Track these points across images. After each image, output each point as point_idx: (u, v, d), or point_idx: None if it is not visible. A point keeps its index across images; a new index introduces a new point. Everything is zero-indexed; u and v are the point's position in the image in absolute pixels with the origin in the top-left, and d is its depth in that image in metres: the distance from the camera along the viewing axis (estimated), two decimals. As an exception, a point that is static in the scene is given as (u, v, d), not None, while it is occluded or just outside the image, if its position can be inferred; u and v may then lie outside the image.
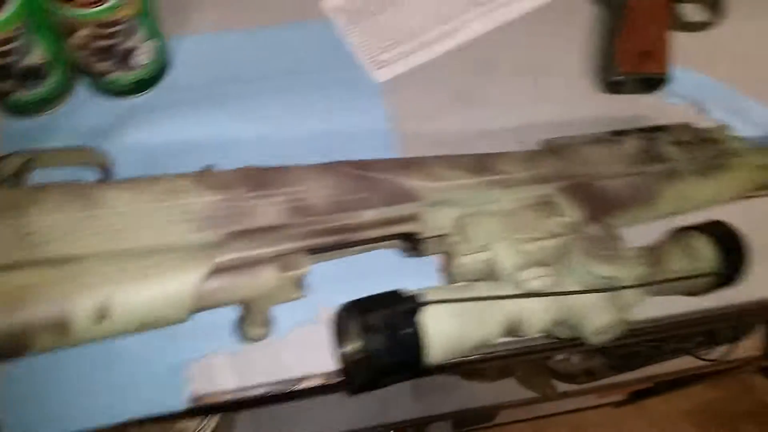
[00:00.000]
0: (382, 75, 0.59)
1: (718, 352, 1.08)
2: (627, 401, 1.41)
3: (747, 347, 1.11)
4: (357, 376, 0.37)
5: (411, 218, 0.42)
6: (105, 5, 0.46)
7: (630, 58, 0.58)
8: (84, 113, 0.55)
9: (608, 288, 0.40)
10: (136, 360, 0.47)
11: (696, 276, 0.44)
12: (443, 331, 0.36)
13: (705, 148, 0.50)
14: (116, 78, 0.53)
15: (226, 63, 0.59)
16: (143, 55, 0.52)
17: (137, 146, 0.54)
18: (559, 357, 1.03)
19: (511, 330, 0.40)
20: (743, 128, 0.58)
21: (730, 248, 0.46)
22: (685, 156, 0.49)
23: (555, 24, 0.63)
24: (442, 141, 0.56)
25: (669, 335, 1.00)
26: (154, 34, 0.52)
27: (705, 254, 0.45)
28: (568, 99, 0.60)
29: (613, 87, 0.59)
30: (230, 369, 0.48)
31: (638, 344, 1.01)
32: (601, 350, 1.03)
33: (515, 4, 0.64)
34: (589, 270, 0.40)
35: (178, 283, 0.36)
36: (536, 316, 0.40)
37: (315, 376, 0.49)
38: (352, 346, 0.37)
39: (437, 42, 0.61)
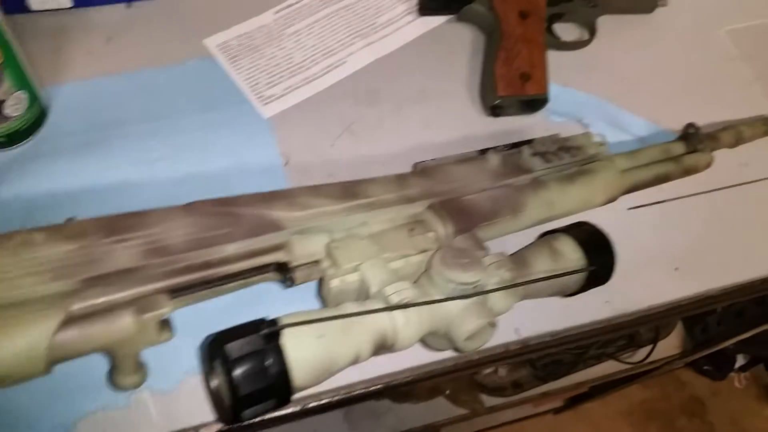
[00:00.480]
0: (270, 110, 0.59)
1: (640, 354, 1.12)
2: (565, 407, 1.43)
3: (667, 346, 1.15)
4: (224, 409, 0.36)
5: (277, 248, 0.42)
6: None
7: (509, 81, 0.60)
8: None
9: (470, 294, 0.41)
10: (21, 421, 0.45)
11: (561, 275, 0.46)
12: (308, 352, 0.36)
13: (569, 157, 0.52)
14: (-14, 130, 0.51)
15: (108, 108, 0.57)
16: (13, 107, 0.51)
17: (15, 200, 0.52)
18: (487, 371, 1.05)
19: (383, 345, 0.40)
20: (620, 137, 0.61)
21: (593, 246, 0.48)
22: (548, 165, 0.51)
23: (439, 51, 0.65)
24: (334, 171, 0.57)
25: (589, 342, 1.03)
26: (23, 84, 0.51)
27: (568, 253, 0.47)
28: (456, 124, 0.62)
29: (496, 111, 0.61)
30: (123, 424, 0.47)
31: (561, 353, 1.03)
32: (527, 361, 1.05)
33: (398, 33, 0.65)
34: (447, 278, 0.41)
35: (30, 336, 0.34)
36: (406, 329, 0.40)
37: (212, 423, 0.48)
38: (217, 378, 0.36)
39: (323, 75, 0.62)
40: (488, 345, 0.45)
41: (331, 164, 0.58)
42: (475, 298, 0.42)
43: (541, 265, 0.46)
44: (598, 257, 0.48)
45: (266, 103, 0.59)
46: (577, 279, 0.48)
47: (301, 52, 0.63)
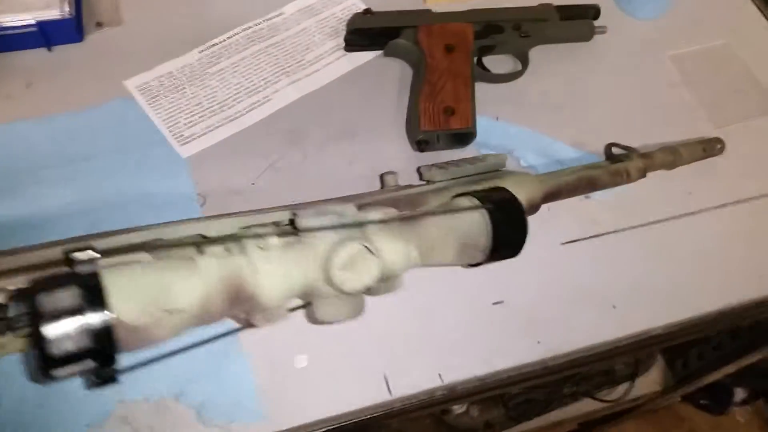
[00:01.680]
0: (188, 150, 0.58)
1: (618, 390, 1.07)
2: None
3: (648, 382, 1.10)
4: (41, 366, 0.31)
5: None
6: None
7: (432, 116, 0.58)
8: None
9: (339, 225, 0.41)
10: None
11: (450, 211, 0.45)
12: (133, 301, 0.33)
13: (472, 168, 0.51)
14: None
15: (23, 154, 0.56)
16: None
17: None
18: (458, 411, 1.01)
19: (240, 292, 0.38)
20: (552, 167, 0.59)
21: (498, 199, 0.46)
22: (448, 176, 0.51)
23: (367, 87, 0.64)
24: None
25: (562, 378, 0.98)
26: None
27: (465, 202, 0.46)
28: (384, 160, 0.60)
29: (421, 145, 0.59)
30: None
31: (532, 391, 0.99)
32: (499, 399, 1.00)
33: (325, 70, 0.64)
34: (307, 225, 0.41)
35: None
36: (267, 272, 0.38)
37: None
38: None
39: (247, 113, 0.61)
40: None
41: (254, 202, 0.56)
42: (349, 231, 0.40)
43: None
44: (502, 210, 0.45)
45: (184, 143, 0.58)
46: (477, 232, 0.44)
47: (225, 90, 0.62)
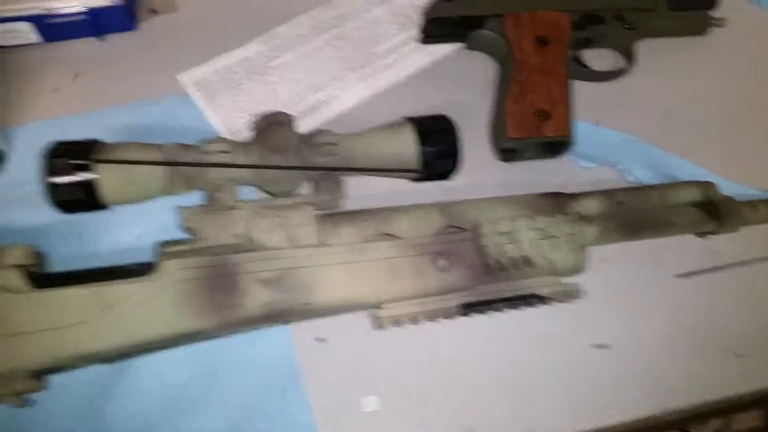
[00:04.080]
0: (245, 154, 0.52)
1: None
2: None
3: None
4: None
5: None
6: None
7: (521, 121, 0.50)
8: None
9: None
10: None
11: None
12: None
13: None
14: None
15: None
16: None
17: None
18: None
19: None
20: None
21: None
22: None
23: (445, 85, 0.56)
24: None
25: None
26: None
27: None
28: (465, 170, 0.52)
29: (507, 155, 0.51)
30: None
31: None
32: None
33: (398, 65, 0.57)
34: None
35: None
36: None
37: None
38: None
39: (312, 112, 0.54)
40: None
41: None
42: None
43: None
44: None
45: (241, 146, 0.52)
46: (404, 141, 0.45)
47: (287, 87, 0.55)
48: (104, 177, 0.42)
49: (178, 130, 0.53)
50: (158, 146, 0.43)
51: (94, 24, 0.55)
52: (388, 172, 0.46)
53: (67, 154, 0.42)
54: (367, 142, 0.46)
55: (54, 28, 0.55)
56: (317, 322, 0.45)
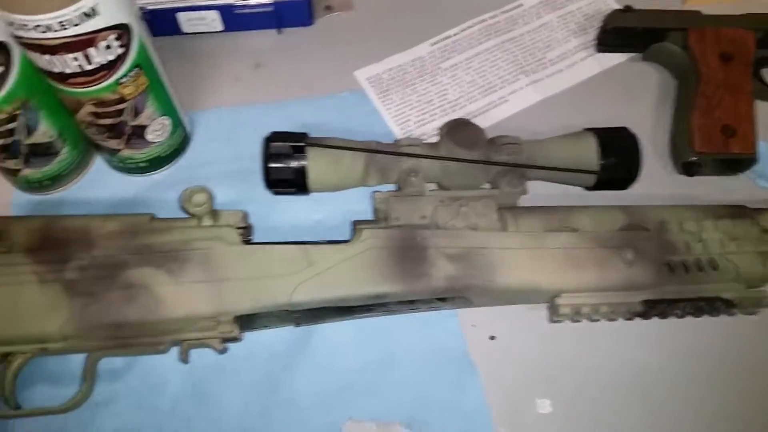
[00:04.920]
0: (418, 151, 0.53)
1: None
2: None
3: None
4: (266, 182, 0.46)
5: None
6: (103, 84, 0.42)
7: (709, 136, 0.49)
8: (101, 188, 0.52)
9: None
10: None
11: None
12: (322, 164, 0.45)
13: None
14: (129, 156, 0.49)
15: (251, 138, 0.54)
16: (156, 133, 0.48)
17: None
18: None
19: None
20: None
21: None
22: None
23: (618, 94, 0.56)
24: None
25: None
26: (167, 110, 0.49)
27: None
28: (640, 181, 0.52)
29: (689, 169, 0.50)
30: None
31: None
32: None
33: (570, 71, 0.57)
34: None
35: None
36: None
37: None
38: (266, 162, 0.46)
39: (481, 114, 0.55)
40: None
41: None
42: None
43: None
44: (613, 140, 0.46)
45: (415, 144, 0.53)
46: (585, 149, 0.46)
47: (458, 88, 0.56)
48: (314, 163, 0.45)
49: (352, 125, 0.54)
50: (358, 141, 0.46)
51: (276, 17, 0.58)
52: (570, 173, 0.47)
53: (284, 141, 0.46)
54: (549, 148, 0.47)
55: (238, 18, 0.58)
56: (489, 319, 0.46)
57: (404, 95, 0.56)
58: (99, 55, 0.41)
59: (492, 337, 0.46)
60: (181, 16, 0.57)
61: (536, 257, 0.42)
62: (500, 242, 0.43)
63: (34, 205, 0.51)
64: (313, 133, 0.48)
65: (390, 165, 0.46)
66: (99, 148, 0.50)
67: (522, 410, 0.44)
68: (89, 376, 0.41)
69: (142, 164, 0.50)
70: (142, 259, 0.41)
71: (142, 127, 0.47)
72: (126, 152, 0.49)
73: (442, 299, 0.44)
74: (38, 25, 0.37)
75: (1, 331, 0.39)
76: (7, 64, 0.41)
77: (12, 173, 0.49)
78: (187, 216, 0.43)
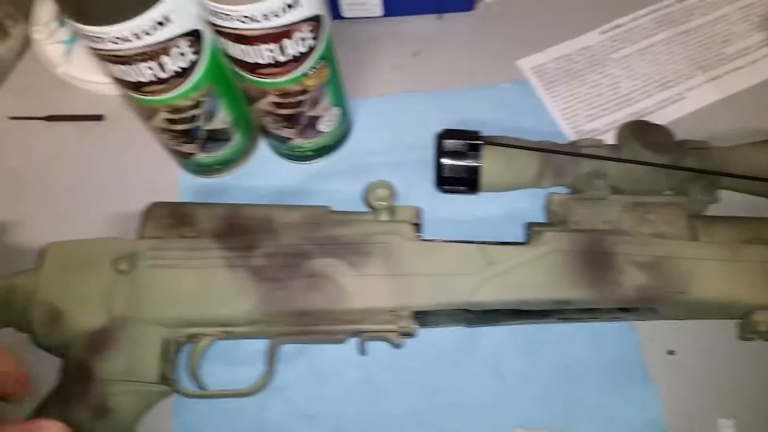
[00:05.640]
0: (587, 148, 0.51)
1: None
2: None
3: None
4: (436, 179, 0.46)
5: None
6: (291, 76, 0.42)
7: None
8: (264, 175, 0.52)
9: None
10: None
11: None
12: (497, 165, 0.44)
13: None
14: (298, 144, 0.49)
15: (411, 128, 0.53)
16: (327, 123, 0.49)
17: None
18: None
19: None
20: None
21: None
22: None
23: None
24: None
25: None
26: (339, 100, 0.48)
27: None
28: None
29: None
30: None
31: None
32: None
33: (751, 68, 0.53)
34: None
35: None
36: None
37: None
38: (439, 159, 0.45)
39: (656, 110, 0.52)
40: None
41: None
42: None
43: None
44: None
45: (585, 140, 0.51)
46: None
47: (631, 81, 0.53)
48: (489, 163, 0.43)
49: (515, 119, 0.52)
50: (533, 141, 0.44)
51: (437, 1, 0.57)
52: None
53: (457, 138, 0.44)
54: (743, 154, 0.44)
55: (398, 3, 0.57)
56: (667, 333, 0.44)
57: (572, 87, 0.53)
58: (292, 47, 0.41)
59: (671, 352, 0.44)
60: (343, 0, 0.56)
61: (733, 270, 0.40)
62: (692, 252, 0.40)
63: (200, 189, 0.52)
64: (474, 126, 0.46)
65: (567, 167, 0.44)
66: (268, 135, 0.51)
67: (703, 429, 0.42)
68: (272, 361, 0.42)
69: (309, 152, 0.51)
70: (325, 249, 0.41)
71: (317, 118, 0.47)
72: (297, 141, 0.49)
73: (625, 309, 0.42)
74: (245, 16, 0.38)
75: (192, 312, 0.40)
76: (199, 53, 0.42)
77: (186, 156, 0.50)
78: (360, 210, 0.43)
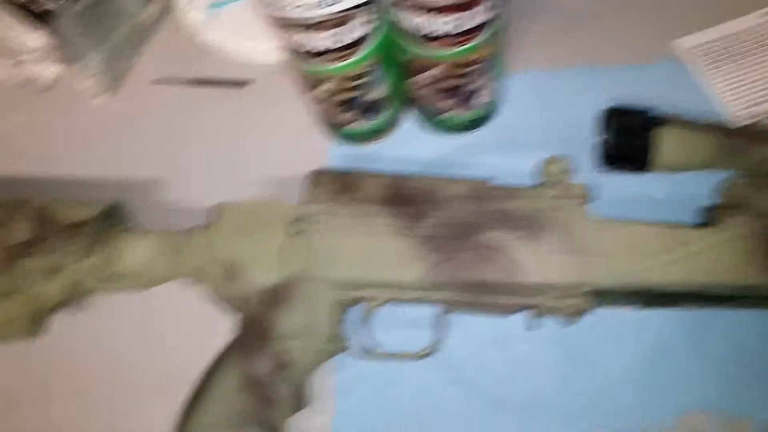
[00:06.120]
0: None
1: None
2: None
3: None
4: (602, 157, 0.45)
5: None
6: (467, 45, 0.42)
7: None
8: (410, 145, 0.53)
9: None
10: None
11: None
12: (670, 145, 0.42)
13: None
14: (453, 116, 0.50)
15: (557, 104, 0.52)
16: (484, 95, 0.48)
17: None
18: None
19: None
20: None
21: None
22: None
23: None
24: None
25: None
26: (500, 74, 0.48)
27: None
28: None
29: None
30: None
31: None
32: None
33: None
34: None
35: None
36: None
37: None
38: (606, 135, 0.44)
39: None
40: None
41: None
42: None
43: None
44: None
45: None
46: None
47: (803, 64, 0.51)
48: (664, 143, 0.42)
49: (671, 99, 0.50)
50: (711, 121, 0.43)
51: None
52: None
53: (627, 115, 0.43)
54: None
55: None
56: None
57: (739, 68, 0.51)
58: (471, 18, 0.41)
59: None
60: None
61: None
62: None
63: (348, 156, 0.53)
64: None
65: (746, 150, 0.42)
66: (420, 106, 0.51)
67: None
68: (440, 328, 0.43)
69: (462, 124, 0.51)
70: (496, 222, 0.41)
71: (478, 90, 0.47)
72: (452, 113, 0.49)
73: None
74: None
75: (363, 275, 0.41)
76: (374, 24, 0.43)
77: (339, 126, 0.51)
78: (527, 185, 0.43)
